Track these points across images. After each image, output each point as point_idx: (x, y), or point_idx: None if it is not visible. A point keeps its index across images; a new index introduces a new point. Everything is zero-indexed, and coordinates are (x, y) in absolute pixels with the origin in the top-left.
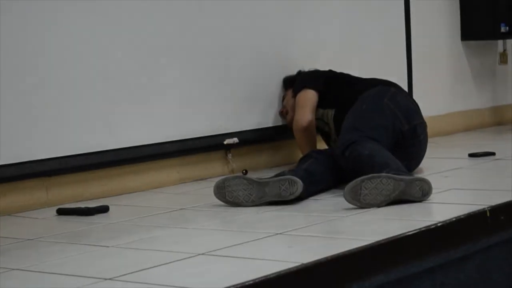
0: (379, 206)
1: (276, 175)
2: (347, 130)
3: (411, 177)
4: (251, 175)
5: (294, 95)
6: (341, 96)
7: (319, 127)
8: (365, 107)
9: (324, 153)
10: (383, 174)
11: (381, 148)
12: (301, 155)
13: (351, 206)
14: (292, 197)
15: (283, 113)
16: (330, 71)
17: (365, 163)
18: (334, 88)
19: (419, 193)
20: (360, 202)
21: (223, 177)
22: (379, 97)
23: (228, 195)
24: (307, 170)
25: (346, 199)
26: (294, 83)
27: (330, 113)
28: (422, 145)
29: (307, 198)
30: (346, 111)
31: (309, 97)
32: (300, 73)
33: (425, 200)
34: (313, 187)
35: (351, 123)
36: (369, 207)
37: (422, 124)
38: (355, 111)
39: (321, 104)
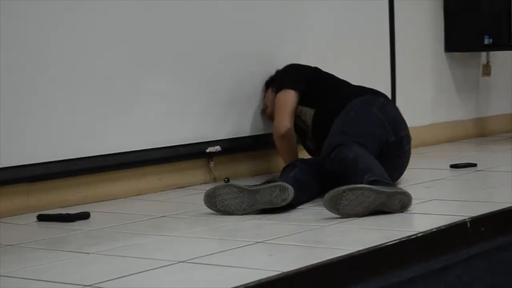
0: (357, 216)
1: (265, 182)
2: (335, 134)
3: (393, 190)
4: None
5: (276, 92)
6: (323, 97)
7: (296, 124)
8: (353, 114)
9: (308, 163)
10: (365, 186)
11: (366, 153)
12: (283, 164)
13: (332, 215)
14: (284, 203)
15: (264, 111)
16: (316, 69)
17: (349, 166)
18: (317, 87)
19: (398, 205)
20: (339, 212)
21: (211, 186)
22: (368, 106)
23: (219, 204)
24: (295, 178)
25: (325, 206)
26: (275, 81)
27: (310, 112)
28: (406, 157)
29: (298, 206)
30: (329, 113)
31: (288, 99)
32: (282, 70)
33: (403, 212)
34: (303, 195)
35: (339, 128)
36: (347, 217)
37: (408, 136)
38: (343, 118)
39: (301, 101)
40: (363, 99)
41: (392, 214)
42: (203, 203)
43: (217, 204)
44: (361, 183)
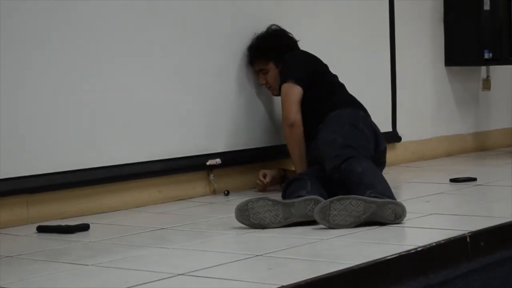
0: (348, 227)
1: (294, 196)
2: (342, 147)
3: (383, 200)
4: (235, 196)
5: (283, 80)
6: (315, 98)
7: None
8: (347, 128)
9: (315, 176)
10: (353, 196)
11: (374, 169)
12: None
13: (332, 229)
14: None
15: (267, 87)
16: (318, 63)
17: (355, 179)
18: (312, 91)
19: (391, 216)
20: (329, 223)
21: (211, 198)
22: (356, 121)
23: (253, 217)
24: (320, 192)
25: (316, 218)
26: (277, 55)
27: None
28: (383, 168)
29: None
30: (313, 113)
31: (295, 92)
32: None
33: (398, 223)
34: None
35: (342, 142)
36: (338, 228)
37: (385, 149)
38: (337, 130)
39: None
40: (348, 113)
41: (391, 228)
42: (202, 215)
43: (251, 217)
44: None
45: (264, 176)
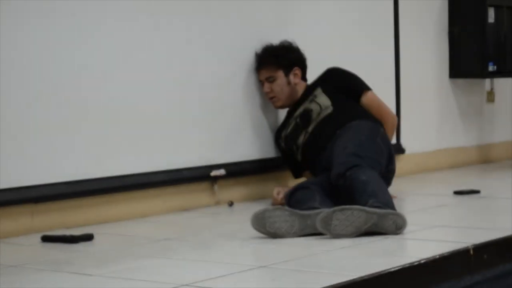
0: (349, 237)
1: (305, 207)
2: (350, 155)
3: (384, 211)
4: (239, 207)
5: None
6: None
7: (288, 142)
8: (363, 138)
9: (321, 186)
10: (355, 206)
11: (378, 179)
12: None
13: (336, 240)
14: None
15: (269, 97)
16: None
17: (358, 187)
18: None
19: (392, 226)
20: (331, 233)
21: (215, 209)
22: (374, 134)
23: (269, 226)
24: (328, 204)
25: (317, 227)
26: (288, 65)
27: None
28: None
29: None
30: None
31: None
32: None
33: (398, 233)
34: None
35: (352, 150)
36: (339, 237)
37: (394, 170)
38: (352, 139)
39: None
40: (367, 125)
41: (394, 240)
42: (206, 226)
43: (267, 225)
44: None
45: (278, 193)
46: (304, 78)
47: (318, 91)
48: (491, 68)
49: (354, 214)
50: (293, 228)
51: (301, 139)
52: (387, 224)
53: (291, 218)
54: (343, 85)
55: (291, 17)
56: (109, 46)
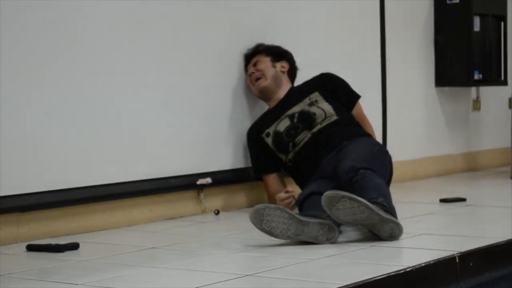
0: (345, 224)
1: (310, 215)
2: (366, 159)
3: (387, 217)
4: (225, 216)
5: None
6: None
7: (277, 142)
8: (376, 151)
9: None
10: (365, 202)
11: (386, 185)
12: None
13: (322, 248)
14: (327, 242)
15: (254, 78)
16: None
17: (371, 185)
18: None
19: (387, 233)
20: (331, 212)
21: (201, 217)
22: (384, 152)
23: (266, 224)
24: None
25: (321, 202)
26: (277, 56)
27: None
28: None
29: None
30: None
31: None
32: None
33: (391, 241)
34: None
35: (367, 156)
36: (336, 220)
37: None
38: (366, 149)
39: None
40: (377, 143)
41: (381, 248)
42: (193, 234)
43: (264, 223)
44: (369, 199)
45: (286, 192)
46: (291, 79)
47: (317, 96)
48: (476, 76)
49: (360, 208)
50: (288, 232)
51: (301, 138)
52: (384, 229)
53: (289, 221)
54: (340, 94)
55: (279, 22)
56: (95, 52)
